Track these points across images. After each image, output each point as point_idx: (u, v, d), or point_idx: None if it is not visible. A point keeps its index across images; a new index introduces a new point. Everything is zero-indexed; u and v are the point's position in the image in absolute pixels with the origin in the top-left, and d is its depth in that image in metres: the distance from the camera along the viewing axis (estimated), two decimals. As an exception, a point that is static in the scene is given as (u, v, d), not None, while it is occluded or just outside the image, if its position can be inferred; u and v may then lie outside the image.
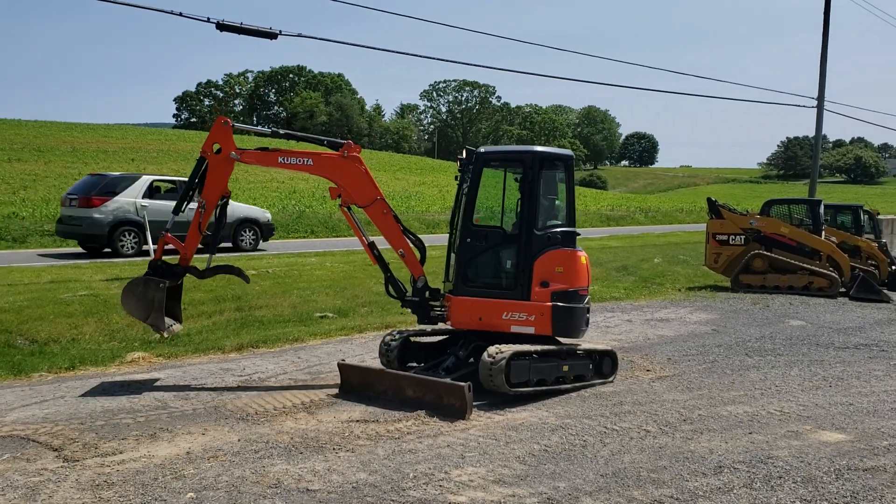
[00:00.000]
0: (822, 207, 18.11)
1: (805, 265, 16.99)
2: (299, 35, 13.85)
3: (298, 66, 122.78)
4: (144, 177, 18.52)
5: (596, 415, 7.29)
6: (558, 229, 8.23)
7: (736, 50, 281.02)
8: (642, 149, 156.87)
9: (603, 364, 8.68)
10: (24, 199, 27.25)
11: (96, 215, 17.38)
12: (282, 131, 8.95)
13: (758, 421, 7.19)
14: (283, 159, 8.43)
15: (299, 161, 8.38)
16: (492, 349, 7.61)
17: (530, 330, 8.02)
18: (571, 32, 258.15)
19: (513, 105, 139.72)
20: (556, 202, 8.45)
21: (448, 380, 7.53)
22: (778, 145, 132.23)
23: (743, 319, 13.29)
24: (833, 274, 16.75)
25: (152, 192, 18.27)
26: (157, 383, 8.31)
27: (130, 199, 17.74)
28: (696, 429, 6.89)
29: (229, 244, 19.61)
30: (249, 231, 20.06)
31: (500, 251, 8.38)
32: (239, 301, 12.71)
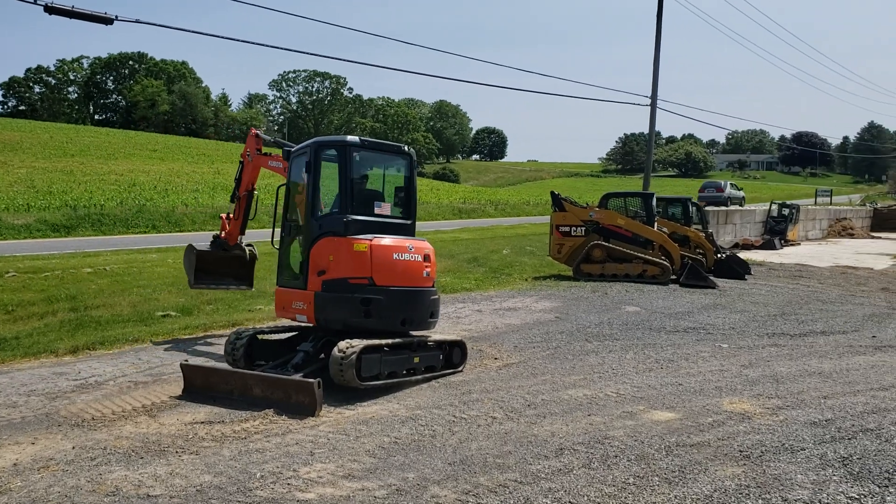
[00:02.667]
0: (654, 200, 19.24)
1: (639, 254, 17.99)
2: (137, 21, 13.22)
3: (139, 52, 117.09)
4: None
5: (445, 404, 7.43)
6: (331, 217, 8.14)
7: (579, 50, 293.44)
8: (492, 143, 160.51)
9: (453, 354, 8.85)
10: None
11: None
12: (272, 139, 10.62)
13: (596, 403, 7.57)
14: (271, 162, 10.10)
15: (277, 164, 9.91)
16: (342, 344, 7.58)
17: (304, 318, 8.23)
18: (423, 27, 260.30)
19: (365, 97, 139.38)
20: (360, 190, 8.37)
21: (297, 377, 7.45)
22: (616, 141, 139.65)
23: (584, 307, 13.92)
24: (665, 262, 17.83)
25: None
26: (-20, 392, 7.71)
27: None
28: (539, 413, 7.17)
29: None
30: None
31: (296, 242, 8.60)
32: (74, 301, 12.00)
